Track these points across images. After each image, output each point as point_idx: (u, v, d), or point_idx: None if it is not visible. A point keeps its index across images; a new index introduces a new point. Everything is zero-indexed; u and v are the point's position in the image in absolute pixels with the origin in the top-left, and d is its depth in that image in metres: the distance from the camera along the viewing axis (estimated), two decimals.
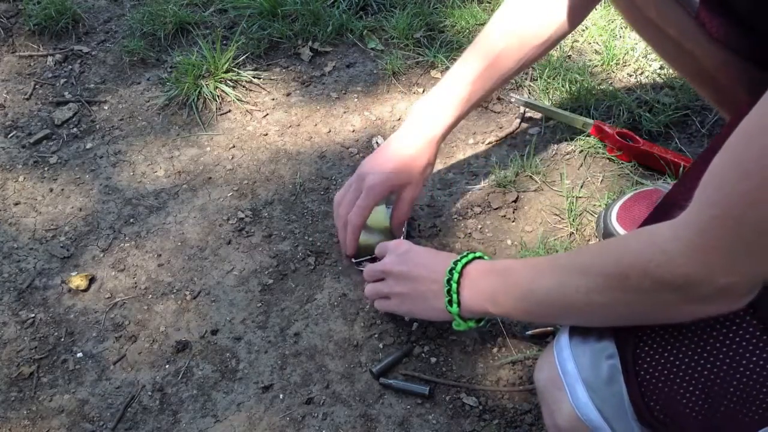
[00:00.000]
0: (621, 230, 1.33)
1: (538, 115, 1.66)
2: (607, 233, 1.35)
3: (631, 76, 1.71)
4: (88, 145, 1.71)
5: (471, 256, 1.06)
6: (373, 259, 1.37)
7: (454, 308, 1.04)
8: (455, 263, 1.05)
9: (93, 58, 1.94)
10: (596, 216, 1.43)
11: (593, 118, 1.57)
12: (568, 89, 1.67)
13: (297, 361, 1.28)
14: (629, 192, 1.38)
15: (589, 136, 1.55)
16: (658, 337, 0.79)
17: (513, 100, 1.64)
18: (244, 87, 1.80)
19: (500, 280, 0.99)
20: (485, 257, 1.07)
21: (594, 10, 1.85)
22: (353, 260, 1.39)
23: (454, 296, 1.03)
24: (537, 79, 1.70)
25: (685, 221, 0.70)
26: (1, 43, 1.99)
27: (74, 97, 1.83)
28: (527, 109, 1.65)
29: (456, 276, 1.04)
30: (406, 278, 1.14)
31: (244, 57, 1.85)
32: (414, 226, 1.47)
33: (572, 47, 1.79)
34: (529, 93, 1.70)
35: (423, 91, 1.75)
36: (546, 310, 0.91)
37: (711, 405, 0.75)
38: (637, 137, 1.50)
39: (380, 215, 1.45)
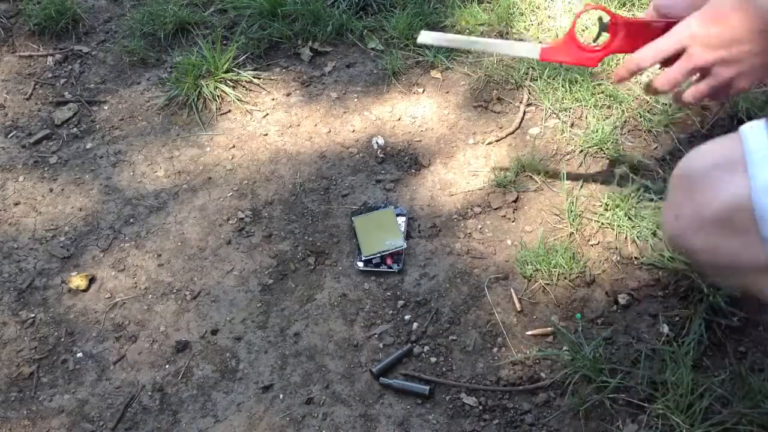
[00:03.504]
0: None
1: (538, 115, 1.66)
2: None
3: None
4: (88, 145, 1.71)
5: None
6: (382, 258, 1.39)
7: None
8: None
9: (93, 58, 1.94)
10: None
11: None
12: (568, 89, 1.67)
13: (297, 361, 1.28)
14: None
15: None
16: None
17: (420, 41, 1.24)
18: (244, 87, 1.80)
19: None
20: None
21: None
22: (363, 257, 1.40)
23: None
24: (537, 80, 1.70)
25: None
26: (1, 43, 1.99)
27: (74, 97, 1.83)
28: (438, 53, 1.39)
29: None
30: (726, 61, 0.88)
31: (244, 57, 1.85)
32: (414, 226, 1.47)
33: None
34: (530, 93, 1.70)
35: (423, 91, 1.75)
36: None
37: None
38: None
39: (388, 217, 1.46)
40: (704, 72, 0.93)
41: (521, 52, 1.20)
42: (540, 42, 1.30)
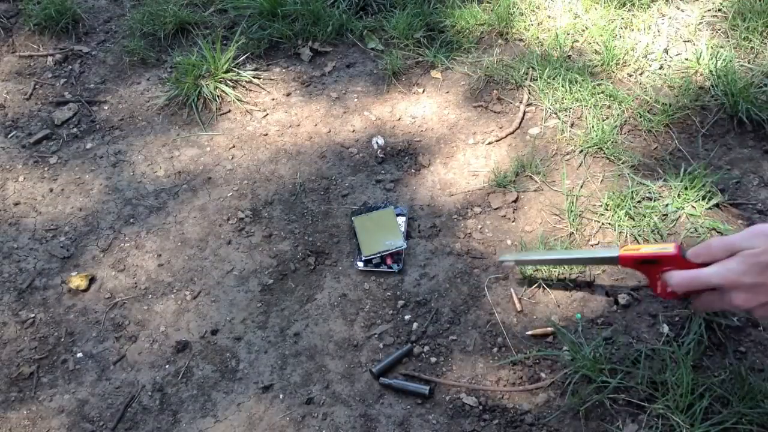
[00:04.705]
0: None
1: (538, 115, 1.66)
2: None
3: (631, 76, 1.71)
4: (88, 145, 1.71)
5: None
6: (382, 258, 1.39)
7: None
8: None
9: (93, 58, 1.94)
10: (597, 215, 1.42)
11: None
12: (568, 89, 1.67)
13: (297, 361, 1.28)
14: None
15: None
16: None
17: (503, 262, 1.34)
18: (244, 87, 1.80)
19: None
20: None
21: (594, 9, 1.85)
22: (363, 257, 1.40)
23: None
24: (537, 79, 1.70)
25: None
26: (1, 43, 1.99)
27: (74, 97, 1.83)
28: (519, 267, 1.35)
29: None
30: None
31: (244, 57, 1.85)
32: (414, 226, 1.47)
33: (572, 47, 1.79)
34: (530, 93, 1.70)
35: (423, 91, 1.75)
36: None
37: None
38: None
39: (388, 217, 1.45)
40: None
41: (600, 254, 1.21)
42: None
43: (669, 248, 1.04)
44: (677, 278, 1.01)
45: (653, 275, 1.07)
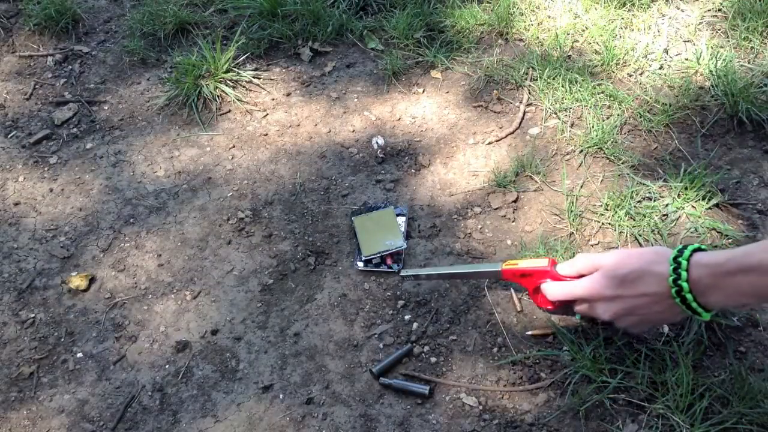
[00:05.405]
0: None
1: (538, 115, 1.66)
2: None
3: (631, 76, 1.71)
4: (88, 145, 1.71)
5: (686, 256, 0.97)
6: (382, 258, 1.39)
7: (705, 315, 1.00)
8: (675, 271, 0.97)
9: (93, 58, 1.94)
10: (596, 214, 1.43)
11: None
12: (568, 89, 1.67)
13: (297, 361, 1.28)
14: None
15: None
16: None
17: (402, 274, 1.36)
18: (244, 87, 1.80)
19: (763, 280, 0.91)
20: (703, 247, 0.99)
21: (594, 9, 1.85)
22: (363, 257, 1.40)
23: (695, 306, 0.98)
24: (537, 79, 1.70)
25: None
26: (1, 43, 1.99)
27: (74, 97, 1.83)
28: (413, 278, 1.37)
29: (686, 287, 0.97)
30: (624, 307, 1.06)
31: (244, 57, 1.85)
32: (414, 226, 1.47)
33: (572, 47, 1.79)
34: (530, 93, 1.70)
35: (423, 91, 1.75)
36: None
37: None
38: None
39: (388, 217, 1.45)
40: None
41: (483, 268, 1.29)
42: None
43: (543, 263, 1.17)
44: (550, 289, 1.15)
45: (531, 287, 1.19)
